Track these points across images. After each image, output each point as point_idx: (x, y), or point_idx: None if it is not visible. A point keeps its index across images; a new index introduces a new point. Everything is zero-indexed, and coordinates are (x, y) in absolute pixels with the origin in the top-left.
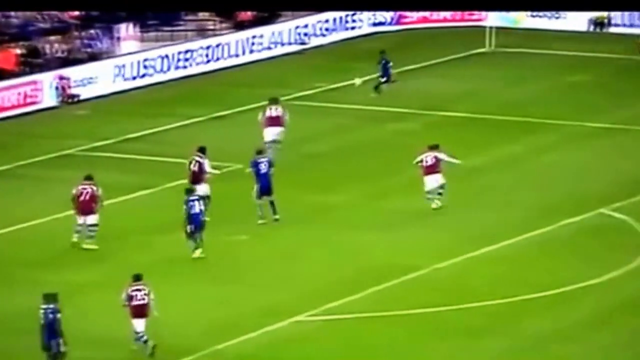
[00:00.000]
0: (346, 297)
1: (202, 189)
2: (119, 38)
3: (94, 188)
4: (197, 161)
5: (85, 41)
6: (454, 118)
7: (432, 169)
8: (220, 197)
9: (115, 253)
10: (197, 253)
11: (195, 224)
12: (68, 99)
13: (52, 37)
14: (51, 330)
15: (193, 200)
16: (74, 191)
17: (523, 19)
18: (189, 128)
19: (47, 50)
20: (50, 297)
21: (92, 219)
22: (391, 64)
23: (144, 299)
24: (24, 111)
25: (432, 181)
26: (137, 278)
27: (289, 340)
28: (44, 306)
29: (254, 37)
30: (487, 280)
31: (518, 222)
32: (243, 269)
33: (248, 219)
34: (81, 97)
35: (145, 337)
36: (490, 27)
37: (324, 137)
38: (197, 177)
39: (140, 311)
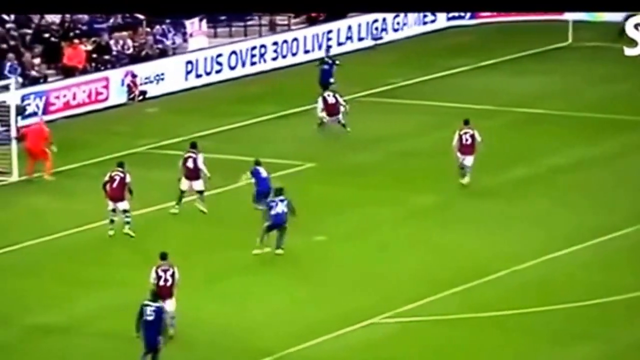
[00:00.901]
0: (426, 298)
1: (197, 185)
2: (190, 34)
3: (124, 175)
4: (192, 158)
5: (155, 37)
6: (537, 115)
7: (470, 149)
8: (292, 196)
9: (188, 255)
10: (258, 251)
11: (275, 223)
12: (137, 96)
13: (121, 34)
14: (156, 328)
15: (275, 202)
16: (105, 178)
17: (604, 14)
18: (260, 126)
19: (116, 47)
20: (155, 296)
21: (123, 205)
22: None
23: (168, 279)
24: (93, 108)
25: (469, 161)
26: (163, 257)
27: (366, 343)
28: (150, 304)
29: (329, 32)
30: (574, 282)
31: (605, 223)
32: (322, 271)
33: (325, 219)
34: (150, 94)
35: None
36: (571, 21)
37: (409, 135)
38: (193, 173)
39: (165, 292)
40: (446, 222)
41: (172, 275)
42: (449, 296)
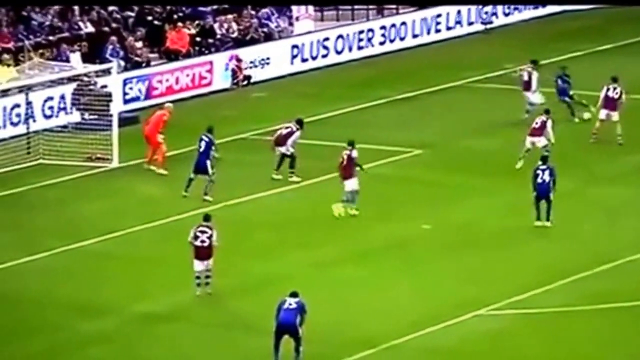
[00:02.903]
0: (541, 287)
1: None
2: (296, 17)
3: (351, 153)
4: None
5: (260, 21)
6: None
7: (539, 132)
8: (396, 182)
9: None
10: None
11: (540, 192)
12: (241, 81)
13: (226, 17)
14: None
15: (542, 169)
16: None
17: None
18: (367, 111)
19: (221, 30)
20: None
21: (350, 184)
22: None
23: (205, 241)
24: (197, 93)
25: (530, 144)
26: (206, 218)
27: (480, 333)
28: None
29: (437, 16)
30: None
31: None
32: (429, 259)
33: (431, 204)
34: (255, 79)
35: (201, 280)
36: None
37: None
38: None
39: (200, 253)
40: (567, 210)
41: (210, 237)
42: (565, 285)
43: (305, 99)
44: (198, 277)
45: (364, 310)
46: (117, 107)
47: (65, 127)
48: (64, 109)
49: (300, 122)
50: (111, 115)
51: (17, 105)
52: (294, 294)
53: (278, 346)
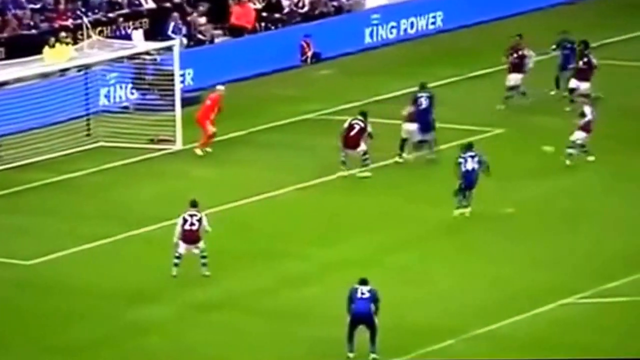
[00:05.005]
0: (625, 277)
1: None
2: None
3: (363, 124)
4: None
5: None
6: None
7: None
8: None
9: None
10: (458, 212)
11: (467, 182)
12: (310, 58)
13: None
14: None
15: (465, 158)
16: (344, 125)
17: None
18: (442, 88)
19: (289, 5)
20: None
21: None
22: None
23: (195, 224)
24: (263, 71)
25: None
26: (193, 204)
27: (561, 322)
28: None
29: None
30: None
31: None
32: (510, 245)
33: (514, 188)
34: (324, 56)
35: (180, 261)
36: None
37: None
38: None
39: (188, 236)
40: None
41: (199, 221)
42: None
43: (377, 76)
44: (178, 258)
45: (436, 298)
46: (179, 86)
47: (126, 107)
48: (125, 88)
49: (364, 115)
50: (174, 95)
51: (76, 86)
52: (364, 282)
53: (352, 336)
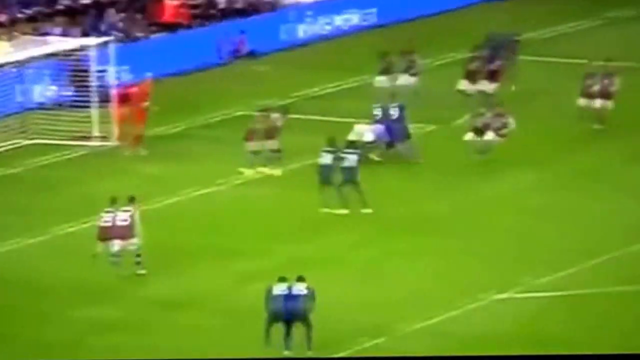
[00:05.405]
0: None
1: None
2: None
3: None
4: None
5: None
6: None
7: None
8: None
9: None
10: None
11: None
12: (244, 54)
13: None
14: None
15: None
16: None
17: None
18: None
19: (222, 0)
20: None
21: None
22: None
23: (127, 220)
24: (197, 67)
25: None
26: (113, 202)
27: (515, 316)
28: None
29: None
30: None
31: None
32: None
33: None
34: (259, 51)
35: (118, 259)
36: None
37: None
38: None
39: (115, 232)
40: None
41: (132, 216)
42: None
43: (312, 71)
44: (115, 256)
45: (385, 294)
46: (111, 82)
47: (59, 105)
48: (57, 85)
49: (284, 110)
50: (108, 91)
51: (9, 82)
52: (301, 279)
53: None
